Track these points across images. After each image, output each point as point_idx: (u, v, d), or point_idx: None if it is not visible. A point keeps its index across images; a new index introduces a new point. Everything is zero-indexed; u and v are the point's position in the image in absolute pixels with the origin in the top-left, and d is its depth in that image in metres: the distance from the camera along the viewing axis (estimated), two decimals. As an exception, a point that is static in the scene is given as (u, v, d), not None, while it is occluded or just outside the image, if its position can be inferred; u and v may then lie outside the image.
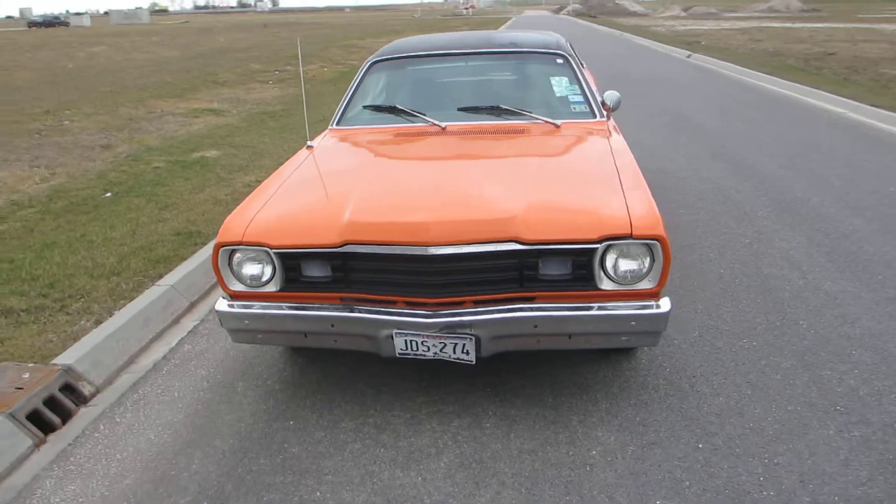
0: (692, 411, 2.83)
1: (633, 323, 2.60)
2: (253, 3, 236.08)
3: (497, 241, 2.56)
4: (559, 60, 3.98)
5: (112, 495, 2.52)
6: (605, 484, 2.47)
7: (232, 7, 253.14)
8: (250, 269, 2.79)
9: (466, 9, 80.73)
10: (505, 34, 4.28)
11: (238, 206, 2.98)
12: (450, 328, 2.62)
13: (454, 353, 2.68)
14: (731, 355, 3.24)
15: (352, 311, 2.71)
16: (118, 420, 2.98)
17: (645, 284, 2.60)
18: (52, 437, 2.94)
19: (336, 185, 3.06)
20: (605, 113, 3.83)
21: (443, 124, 3.73)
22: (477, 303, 2.66)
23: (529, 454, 2.61)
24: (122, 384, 3.29)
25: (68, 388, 3.19)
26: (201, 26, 61.43)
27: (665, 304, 2.62)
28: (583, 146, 3.45)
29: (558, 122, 3.70)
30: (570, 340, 2.68)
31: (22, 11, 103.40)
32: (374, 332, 2.69)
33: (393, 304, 2.70)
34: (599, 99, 3.96)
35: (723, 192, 5.83)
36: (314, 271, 2.75)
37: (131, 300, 3.91)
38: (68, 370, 3.23)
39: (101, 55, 25.00)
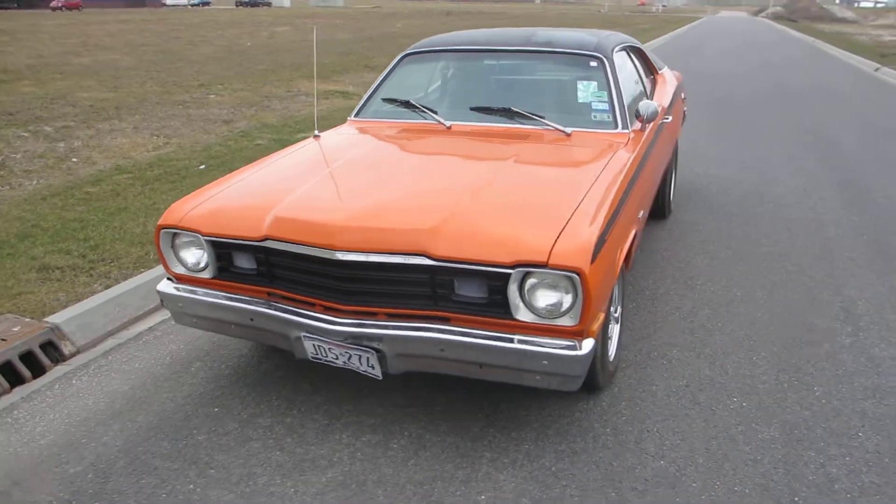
0: (620, 472, 2.50)
1: (544, 362, 2.34)
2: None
3: (405, 253, 2.38)
4: (593, 63, 3.66)
5: (23, 453, 2.64)
6: None
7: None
8: (189, 254, 2.81)
9: (658, 6, 77.74)
10: (547, 32, 4.00)
11: (195, 191, 3.00)
12: (354, 338, 2.49)
13: (360, 364, 2.54)
14: (706, 414, 2.85)
15: (269, 308, 2.65)
16: (73, 382, 3.13)
17: (566, 321, 2.32)
18: (18, 388, 3.13)
19: (291, 179, 3.01)
20: (630, 124, 3.47)
21: (448, 124, 3.57)
22: (390, 316, 2.51)
23: (415, 486, 2.42)
24: (102, 349, 3.45)
25: (51, 346, 3.38)
26: (388, 12, 63.87)
27: (586, 347, 2.33)
28: (574, 160, 3.15)
29: (569, 129, 3.40)
30: (482, 370, 2.45)
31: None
32: (286, 331, 2.62)
33: (312, 306, 2.60)
34: (634, 108, 3.59)
35: (818, 226, 5.16)
36: (243, 263, 2.73)
37: (149, 269, 4.09)
38: (55, 329, 3.43)
39: (281, 35, 26.68)
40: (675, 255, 4.59)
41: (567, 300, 2.30)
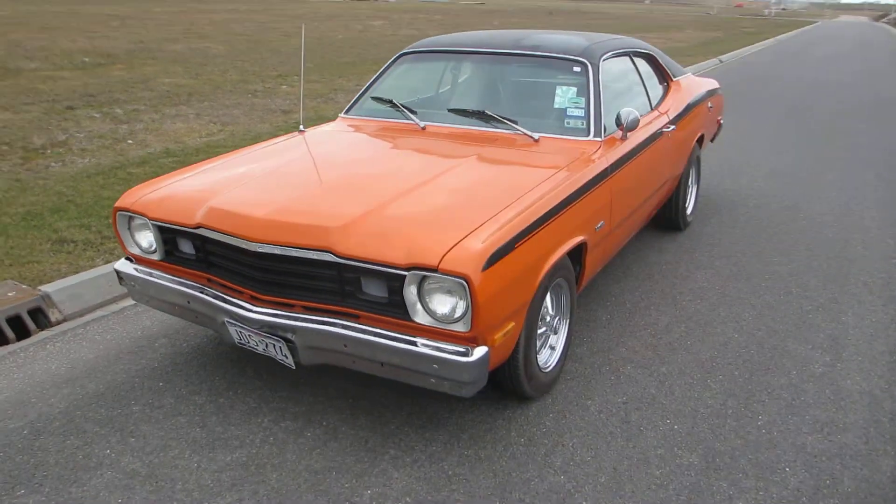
0: (515, 483, 2.50)
1: (435, 366, 2.36)
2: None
3: (312, 249, 2.45)
4: (576, 68, 3.61)
5: (-21, 408, 2.87)
6: None
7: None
8: (142, 237, 2.97)
9: (771, 9, 74.27)
10: (539, 35, 3.96)
11: (159, 177, 3.17)
12: (269, 327, 2.58)
13: (276, 353, 2.64)
14: (631, 434, 2.79)
15: (201, 292, 2.78)
16: (47, 347, 3.37)
17: (459, 327, 2.34)
18: (0, 348, 3.38)
19: (244, 171, 3.12)
20: (603, 132, 3.40)
21: (422, 125, 3.60)
22: (306, 309, 2.59)
23: (310, 474, 2.50)
24: (85, 319, 3.69)
25: (40, 312, 3.65)
26: (491, 9, 63.82)
27: (477, 354, 2.33)
28: (526, 166, 3.13)
29: (536, 135, 3.38)
30: (384, 369, 2.49)
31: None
32: (215, 316, 2.74)
33: (241, 293, 2.71)
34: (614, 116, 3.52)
35: (844, 246, 4.88)
36: (185, 248, 2.86)
37: (150, 248, 4.32)
38: (45, 297, 3.70)
39: (374, 29, 27.21)
40: (676, 269, 4.45)
41: (461, 306, 2.31)
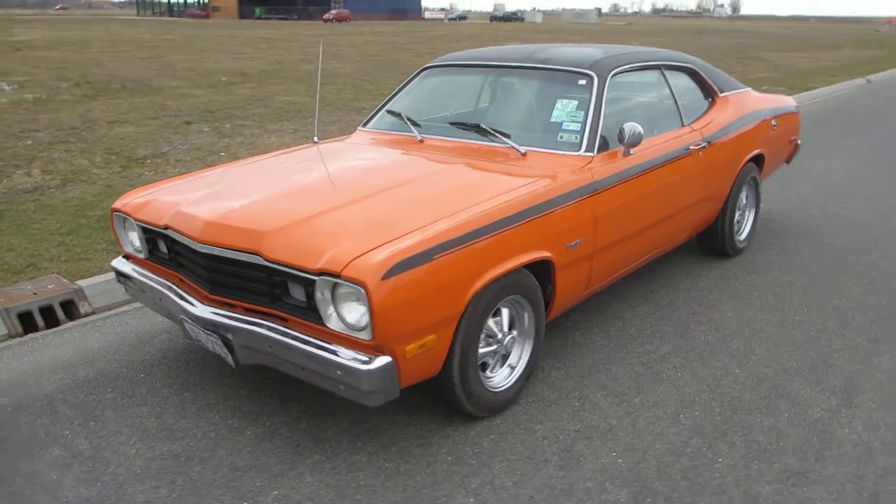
0: (423, 501, 2.45)
1: (338, 372, 2.39)
2: (712, 9, 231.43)
3: (244, 251, 2.56)
4: (581, 82, 3.52)
5: (-15, 384, 3.21)
6: None
7: (690, 11, 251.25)
8: (133, 236, 3.22)
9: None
10: (555, 48, 3.89)
11: (155, 182, 3.41)
12: (212, 326, 2.71)
13: (218, 350, 2.76)
14: (567, 464, 2.67)
15: (168, 290, 2.97)
16: (64, 336, 3.70)
17: (364, 335, 2.35)
18: (29, 335, 3.76)
19: (228, 177, 3.29)
20: (597, 148, 3.30)
21: (420, 137, 3.65)
22: (246, 310, 2.70)
23: (230, 470, 2.59)
24: (110, 313, 4.00)
25: (72, 304, 4.01)
26: (639, 29, 62.70)
27: (378, 363, 2.34)
28: (496, 180, 3.08)
29: (523, 149, 3.33)
30: (303, 373, 2.55)
31: (496, 7, 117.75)
32: (176, 312, 2.91)
33: (198, 293, 2.87)
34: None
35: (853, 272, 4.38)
36: (162, 248, 3.07)
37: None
38: (79, 291, 4.06)
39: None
40: (705, 296, 4.19)
41: (365, 313, 2.32)
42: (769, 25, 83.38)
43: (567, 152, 3.29)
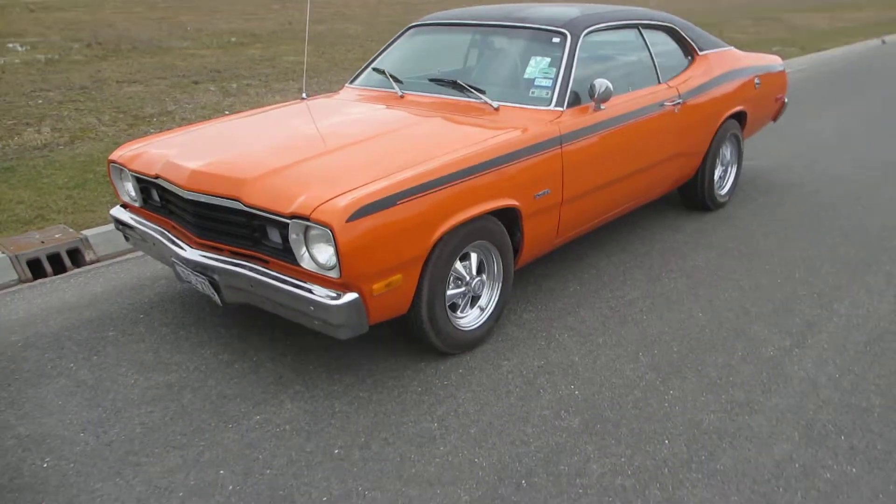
0: (389, 423, 2.68)
1: (311, 308, 2.60)
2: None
3: (225, 198, 2.77)
4: (555, 39, 3.66)
5: (-4, 323, 3.47)
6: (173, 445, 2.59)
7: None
8: (129, 186, 3.43)
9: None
10: (534, 7, 4.00)
11: (151, 135, 3.62)
12: (201, 267, 2.94)
13: (205, 290, 2.99)
14: (527, 394, 2.88)
15: (160, 235, 3.19)
16: (71, 281, 3.95)
17: (333, 273, 2.57)
18: (38, 280, 4.02)
19: (218, 130, 3.49)
20: (567, 103, 3.46)
21: (400, 93, 3.82)
22: (232, 253, 2.92)
23: (219, 398, 2.83)
24: (114, 261, 4.25)
25: (78, 252, 4.26)
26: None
27: (346, 298, 2.56)
28: (466, 132, 3.24)
29: (496, 104, 3.49)
30: (282, 309, 2.77)
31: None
32: (168, 256, 3.14)
33: (189, 238, 3.10)
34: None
35: (894, 232, 4.52)
36: (154, 196, 3.28)
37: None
38: (83, 240, 4.30)
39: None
40: (680, 248, 4.37)
41: (333, 253, 2.52)
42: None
43: (537, 107, 3.45)
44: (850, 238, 4.48)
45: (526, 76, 3.61)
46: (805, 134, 7.32)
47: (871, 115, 8.40)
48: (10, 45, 13.58)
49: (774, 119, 5.69)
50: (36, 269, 4.09)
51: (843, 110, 8.68)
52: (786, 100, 5.66)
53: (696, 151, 4.49)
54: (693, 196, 4.81)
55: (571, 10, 3.88)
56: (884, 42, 17.77)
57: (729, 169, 5.10)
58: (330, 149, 3.02)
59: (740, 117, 4.94)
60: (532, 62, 3.64)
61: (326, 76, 10.44)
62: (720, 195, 4.96)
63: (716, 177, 4.90)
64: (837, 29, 21.77)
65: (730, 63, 4.77)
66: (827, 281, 3.88)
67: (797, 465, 2.45)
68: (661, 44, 4.35)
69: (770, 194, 5.36)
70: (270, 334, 3.30)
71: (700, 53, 4.58)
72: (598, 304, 3.61)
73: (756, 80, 5.01)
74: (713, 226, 4.71)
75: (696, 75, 4.43)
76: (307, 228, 2.56)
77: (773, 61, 5.40)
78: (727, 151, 4.98)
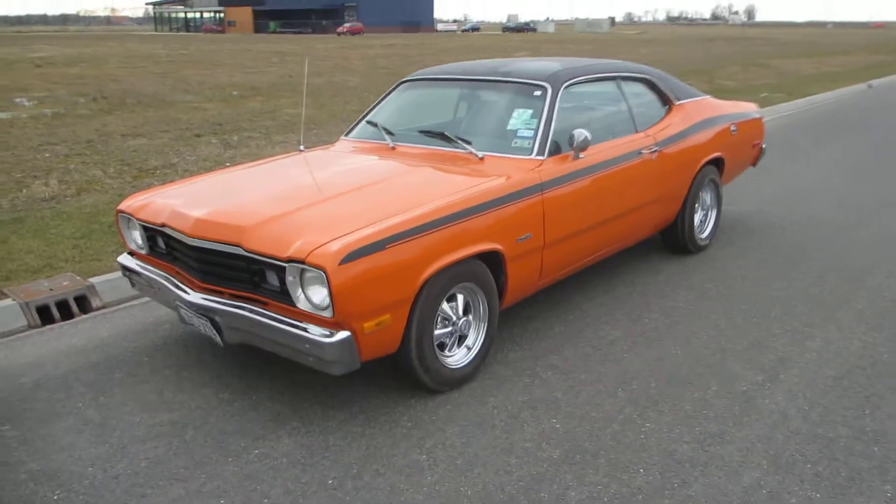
0: (378, 457, 2.84)
1: (306, 346, 2.79)
2: (727, 16, 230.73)
3: (227, 244, 2.98)
4: (537, 92, 3.92)
5: (3, 364, 3.63)
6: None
7: (704, 19, 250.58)
8: (136, 234, 3.65)
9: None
10: (517, 62, 4.30)
11: (156, 186, 3.85)
12: (203, 310, 3.13)
13: (207, 331, 3.18)
14: (512, 428, 3.04)
15: (165, 280, 3.39)
16: (78, 327, 4.14)
17: (327, 313, 2.76)
18: (47, 326, 4.20)
19: (219, 181, 3.72)
20: (547, 152, 3.69)
21: (392, 144, 4.06)
22: (232, 296, 3.11)
23: (217, 434, 2.98)
24: (119, 307, 4.44)
25: (85, 299, 4.46)
26: (649, 38, 62.92)
27: (338, 336, 2.74)
28: (453, 181, 3.47)
29: (481, 154, 3.73)
30: (280, 348, 2.96)
31: (509, 17, 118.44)
32: (172, 300, 3.34)
33: (192, 283, 3.29)
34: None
35: (866, 271, 4.72)
36: (160, 244, 3.49)
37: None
38: (90, 287, 4.50)
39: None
40: (661, 289, 4.56)
41: (327, 295, 2.72)
42: (784, 32, 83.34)
43: (520, 156, 3.69)
44: (824, 278, 4.68)
45: (509, 127, 3.86)
46: (787, 178, 7.58)
47: (851, 158, 8.69)
48: (18, 100, 14.00)
49: (754, 164, 5.95)
50: (45, 315, 4.27)
51: (826, 154, 8.98)
52: (764, 145, 5.93)
53: (674, 197, 4.72)
54: (674, 240, 5.02)
55: (553, 65, 4.15)
56: (870, 86, 18.26)
57: (709, 213, 5.33)
58: (324, 197, 3.24)
59: (718, 163, 5.18)
60: (515, 114, 3.89)
61: (326, 128, 10.76)
62: (701, 238, 5.17)
63: (697, 221, 5.12)
64: (824, 74, 22.36)
65: (706, 111, 5.04)
66: (801, 319, 4.06)
67: (765, 492, 2.59)
68: (639, 95, 4.62)
69: (750, 237, 5.57)
70: (269, 374, 3.47)
71: (676, 103, 4.85)
72: (580, 344, 3.78)
73: (733, 128, 5.28)
74: (693, 268, 4.92)
75: (673, 124, 4.68)
76: (303, 271, 2.76)
77: (749, 109, 5.68)
78: (707, 196, 5.21)
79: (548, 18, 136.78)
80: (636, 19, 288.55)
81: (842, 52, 35.98)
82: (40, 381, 3.46)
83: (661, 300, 4.36)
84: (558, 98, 3.87)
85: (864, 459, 2.77)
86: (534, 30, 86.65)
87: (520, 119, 3.85)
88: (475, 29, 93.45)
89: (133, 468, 2.75)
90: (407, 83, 4.62)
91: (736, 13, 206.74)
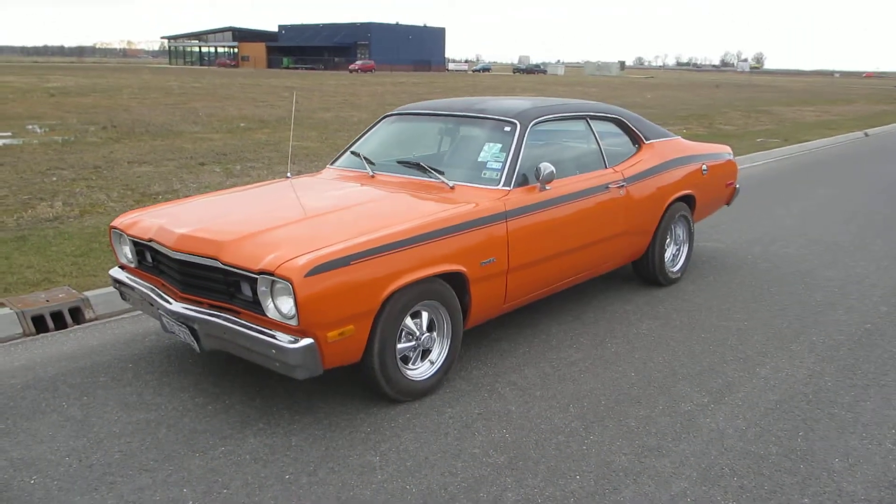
0: (335, 456, 3.05)
1: (273, 351, 3.02)
2: (735, 63, 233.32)
3: (206, 257, 3.24)
4: (506, 128, 4.20)
5: (1, 362, 3.88)
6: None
7: (714, 65, 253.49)
8: (127, 249, 3.91)
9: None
10: (492, 100, 4.58)
11: (148, 206, 4.12)
12: (182, 318, 3.38)
13: (186, 338, 3.42)
14: (463, 436, 3.23)
15: (151, 292, 3.65)
16: (70, 335, 4.38)
17: (293, 322, 3.00)
18: (41, 334, 4.45)
19: (207, 202, 4.00)
20: (514, 184, 3.95)
21: (371, 173, 4.34)
22: (211, 306, 3.36)
23: (188, 433, 3.20)
24: (110, 319, 4.69)
25: (78, 311, 4.71)
26: (658, 82, 63.85)
27: (302, 343, 2.98)
28: (423, 207, 3.72)
29: (451, 183, 3.99)
30: (251, 354, 3.19)
31: (520, 59, 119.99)
32: (156, 310, 3.58)
33: (174, 293, 3.55)
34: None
35: (828, 307, 4.93)
36: (148, 258, 3.76)
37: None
38: (84, 300, 4.76)
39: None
40: (627, 317, 4.77)
41: (293, 305, 2.97)
42: (791, 80, 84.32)
43: (488, 186, 3.95)
44: (785, 311, 4.89)
45: (480, 159, 4.13)
46: (768, 218, 7.83)
47: (833, 201, 8.94)
48: (30, 127, 14.46)
49: (728, 203, 6.20)
50: (40, 324, 4.52)
51: (810, 197, 9.23)
52: (737, 185, 6.18)
53: (643, 230, 4.96)
54: (645, 272, 5.25)
55: (524, 103, 4.45)
56: (866, 135, 18.59)
57: (682, 248, 5.56)
58: (300, 218, 3.51)
59: (689, 200, 5.43)
60: (486, 147, 4.17)
61: (326, 160, 11.07)
62: (672, 272, 5.40)
63: (669, 255, 5.36)
64: (824, 122, 22.73)
65: (676, 151, 5.31)
66: (755, 348, 4.27)
67: (689, 500, 2.79)
68: (609, 133, 4.90)
69: (722, 272, 5.80)
70: (242, 382, 3.69)
71: (646, 142, 5.12)
72: (542, 364, 4.00)
73: (704, 167, 5.55)
74: (661, 299, 5.14)
75: (642, 161, 4.95)
76: (273, 283, 3.01)
77: (721, 150, 5.95)
78: (680, 231, 5.45)
79: (558, 61, 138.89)
80: (646, 63, 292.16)
81: (844, 101, 36.47)
82: (29, 382, 3.69)
83: (626, 327, 4.57)
84: (526, 134, 4.15)
85: (788, 475, 2.95)
86: (544, 72, 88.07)
87: (489, 152, 4.13)
88: (486, 69, 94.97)
89: (107, 459, 2.96)
90: (390, 117, 4.92)
91: (745, 60, 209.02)
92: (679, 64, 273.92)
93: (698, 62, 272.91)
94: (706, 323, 4.67)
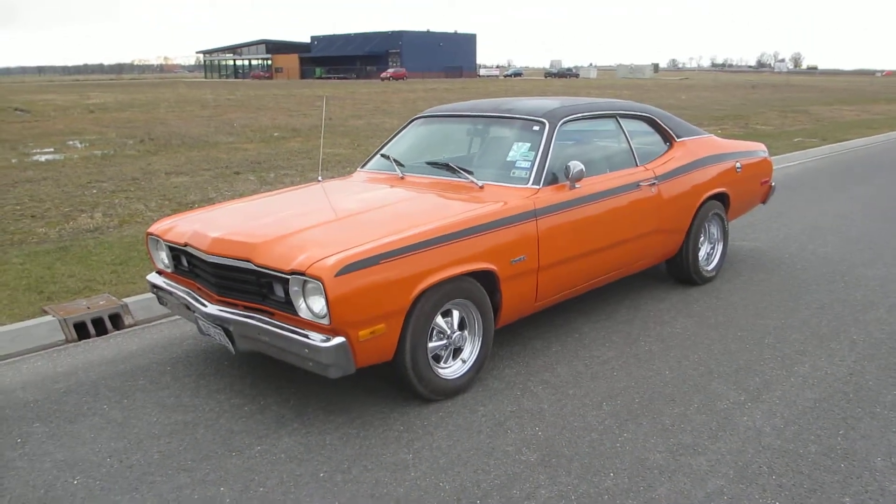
0: (367, 456, 3.08)
1: (306, 350, 3.07)
2: (772, 63, 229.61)
3: (239, 259, 3.30)
4: (535, 127, 4.20)
5: (43, 371, 3.99)
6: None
7: (751, 66, 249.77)
8: (163, 255, 4.00)
9: None
10: (519, 100, 4.59)
11: (184, 211, 4.21)
12: (218, 320, 3.44)
13: (222, 340, 3.48)
14: (496, 433, 3.24)
15: (187, 295, 3.72)
16: (110, 341, 4.49)
17: (325, 321, 3.04)
18: (83, 341, 4.57)
19: (241, 206, 4.07)
20: (543, 182, 3.95)
21: (401, 174, 4.38)
22: (245, 308, 3.42)
23: (225, 433, 3.25)
24: (150, 324, 4.79)
25: (118, 317, 4.83)
26: (692, 83, 63.13)
27: (334, 342, 3.01)
28: (453, 206, 3.74)
29: (480, 183, 4.01)
30: (285, 354, 3.24)
31: (552, 63, 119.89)
32: (192, 313, 3.66)
33: (210, 297, 3.62)
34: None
35: (868, 306, 4.83)
36: (183, 262, 3.84)
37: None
38: (124, 306, 4.87)
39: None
40: (661, 316, 4.73)
41: (325, 304, 3.00)
42: (831, 80, 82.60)
43: (517, 185, 3.95)
44: (824, 310, 4.80)
45: (509, 159, 4.14)
46: (806, 217, 7.69)
47: (871, 200, 8.75)
48: (71, 142, 14.86)
49: (764, 201, 6.10)
50: (81, 330, 4.63)
51: (848, 196, 9.04)
52: (773, 184, 6.09)
53: (675, 229, 4.91)
54: (679, 271, 5.20)
55: (552, 103, 4.44)
56: (905, 134, 18.12)
57: (716, 246, 5.49)
58: (331, 219, 3.55)
59: (723, 198, 5.37)
60: (514, 147, 4.18)
61: (358, 166, 11.17)
62: (707, 270, 5.33)
63: (703, 254, 5.30)
64: (863, 121, 22.25)
65: (708, 149, 5.25)
66: (793, 346, 4.20)
67: (725, 498, 2.75)
68: (639, 132, 4.86)
69: (758, 271, 5.71)
70: (277, 384, 3.74)
71: (678, 140, 5.07)
72: (574, 362, 3.98)
73: (738, 165, 5.47)
74: (696, 298, 5.08)
75: (674, 159, 4.91)
76: (304, 282, 3.05)
77: (756, 148, 5.87)
78: (714, 230, 5.39)
79: (591, 64, 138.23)
80: (680, 65, 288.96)
81: (885, 100, 35.63)
82: (72, 386, 3.79)
83: (659, 326, 4.53)
84: (555, 133, 4.14)
85: (828, 474, 2.90)
86: (576, 75, 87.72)
87: (518, 151, 4.13)
88: (517, 74, 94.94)
89: (146, 459, 3.03)
90: (419, 119, 4.96)
91: (782, 60, 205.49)
92: (714, 65, 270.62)
93: (733, 63, 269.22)
94: (742, 321, 4.60)
